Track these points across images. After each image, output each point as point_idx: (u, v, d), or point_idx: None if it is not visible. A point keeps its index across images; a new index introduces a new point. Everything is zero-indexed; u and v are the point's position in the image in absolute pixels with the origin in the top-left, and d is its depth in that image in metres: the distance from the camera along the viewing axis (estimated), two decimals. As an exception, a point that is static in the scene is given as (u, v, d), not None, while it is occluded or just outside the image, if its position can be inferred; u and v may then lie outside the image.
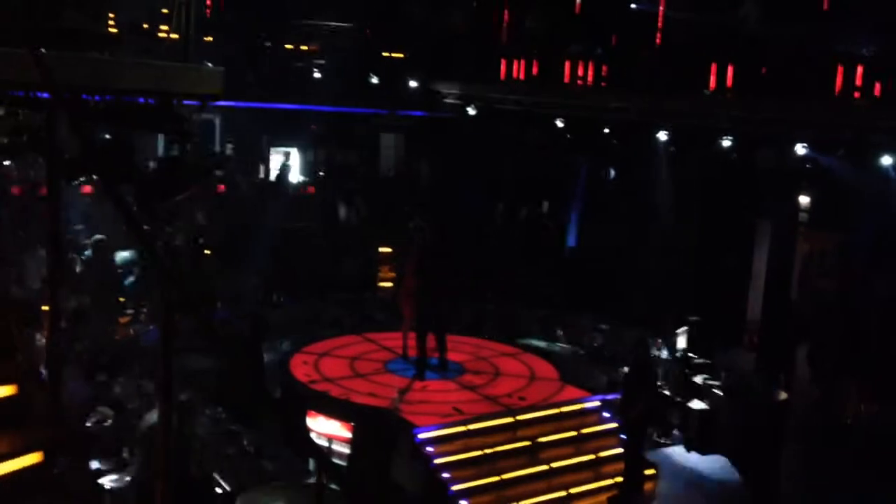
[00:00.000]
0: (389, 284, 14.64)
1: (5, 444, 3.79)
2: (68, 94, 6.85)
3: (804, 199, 13.19)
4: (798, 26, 12.42)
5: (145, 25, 11.33)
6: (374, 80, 17.47)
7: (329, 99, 16.77)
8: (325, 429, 10.37)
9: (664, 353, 12.52)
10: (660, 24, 14.97)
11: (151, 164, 11.93)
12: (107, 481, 8.21)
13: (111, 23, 9.24)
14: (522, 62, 16.77)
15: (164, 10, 11.47)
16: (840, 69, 12.37)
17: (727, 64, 13.29)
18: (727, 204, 14.30)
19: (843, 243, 13.91)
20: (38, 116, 6.35)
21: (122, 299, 12.21)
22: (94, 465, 8.20)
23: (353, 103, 17.49)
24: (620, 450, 10.06)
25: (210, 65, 11.59)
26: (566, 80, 15.59)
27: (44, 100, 4.77)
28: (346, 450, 9.92)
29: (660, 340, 12.75)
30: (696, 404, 11.32)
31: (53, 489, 4.00)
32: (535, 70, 16.42)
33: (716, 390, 11.37)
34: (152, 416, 7.93)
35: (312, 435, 10.21)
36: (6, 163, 7.91)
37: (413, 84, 17.53)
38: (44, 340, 4.02)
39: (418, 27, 18.06)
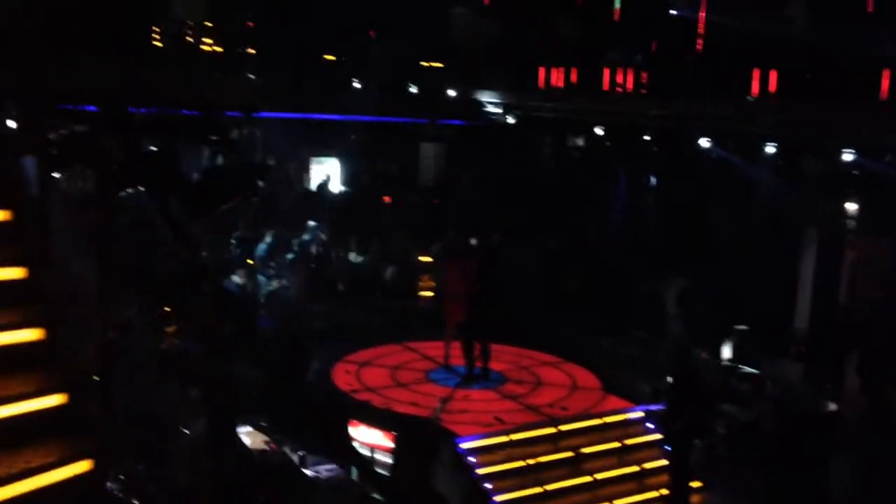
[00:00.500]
0: (430, 293, 14.62)
1: (56, 452, 3.84)
2: (115, 106, 6.96)
3: (851, 205, 12.93)
4: (844, 29, 12.21)
5: (190, 38, 11.48)
6: (414, 89, 17.52)
7: (369, 109, 16.85)
8: (368, 438, 10.38)
9: (710, 363, 12.33)
10: (700, 30, 14.81)
11: (195, 175, 12.08)
12: (152, 488, 8.28)
13: (156, 36, 9.38)
14: (561, 70, 16.71)
15: (208, 24, 11.65)
16: (886, 73, 12.14)
17: (770, 69, 13.10)
18: (773, 210, 14.08)
19: (891, 249, 13.61)
20: (87, 129, 6.45)
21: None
22: (141, 472, 8.27)
23: (392, 113, 17.55)
24: (664, 461, 9.93)
25: (252, 76, 11.74)
26: (605, 87, 15.49)
27: (92, 112, 4.85)
28: (388, 459, 9.92)
29: (705, 350, 12.56)
30: (742, 414, 11.14)
31: (102, 497, 4.04)
32: (573, 78, 16.34)
33: (762, 400, 11.16)
34: (197, 424, 7.99)
35: (355, 444, 10.23)
36: (56, 175, 8.03)
37: (452, 93, 17.55)
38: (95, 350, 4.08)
39: (458, 37, 18.10)
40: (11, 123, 4.99)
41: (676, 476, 9.39)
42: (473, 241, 12.78)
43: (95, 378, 4.13)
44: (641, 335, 13.82)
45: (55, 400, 4.01)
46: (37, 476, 3.72)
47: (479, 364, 11.70)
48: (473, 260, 11.94)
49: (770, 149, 13.00)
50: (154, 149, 8.16)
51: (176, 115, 8.20)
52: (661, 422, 10.07)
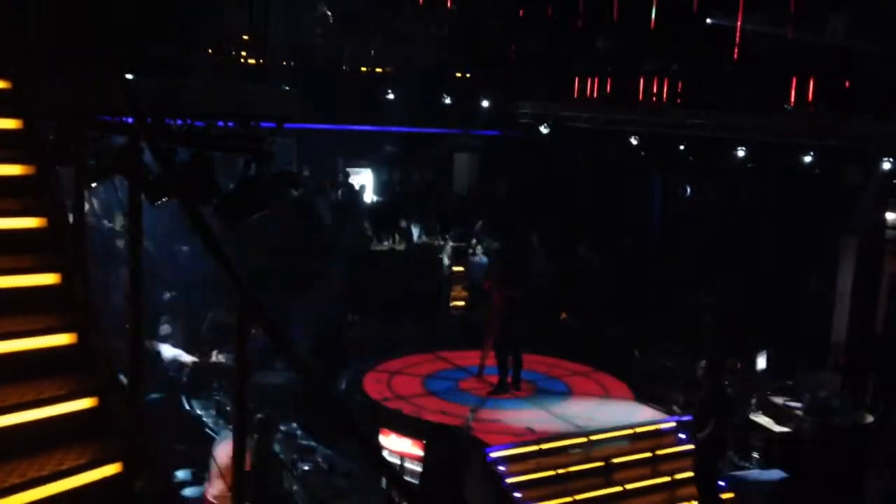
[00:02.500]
0: (462, 304, 14.64)
1: (87, 454, 3.94)
2: (151, 118, 7.13)
3: (891, 216, 12.73)
4: (884, 40, 12.06)
5: (226, 50, 11.69)
6: (448, 100, 17.61)
7: (404, 120, 16.97)
8: (398, 447, 10.43)
9: (744, 375, 12.21)
10: (737, 39, 14.72)
11: (230, 186, 12.26)
12: (185, 495, 8.41)
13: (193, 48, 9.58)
14: (596, 80, 16.70)
15: (245, 37, 11.84)
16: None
17: (808, 79, 12.98)
18: (812, 221, 13.93)
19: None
20: (122, 140, 6.61)
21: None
22: (175, 478, 8.41)
23: (427, 124, 17.66)
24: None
25: (286, 88, 11.90)
26: (640, 97, 15.45)
27: (128, 124, 4.97)
28: (418, 468, 9.96)
29: (739, 362, 12.44)
30: (778, 427, 11.01)
31: (132, 500, 4.13)
32: (608, 88, 16.32)
33: (798, 412, 11.03)
34: (229, 433, 8.09)
35: (385, 453, 10.28)
36: (93, 185, 8.23)
37: (486, 104, 17.61)
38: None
39: (493, 48, 18.16)
40: (50, 134, 5.15)
41: (702, 488, 9.28)
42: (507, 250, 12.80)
43: (126, 382, 4.22)
44: (676, 347, 13.71)
45: (86, 403, 4.11)
46: (67, 478, 3.81)
47: (511, 375, 11.69)
48: (509, 270, 11.96)
49: (808, 158, 12.86)
50: (189, 159, 8.34)
51: (211, 127, 8.37)
52: (690, 433, 9.99)
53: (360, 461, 9.33)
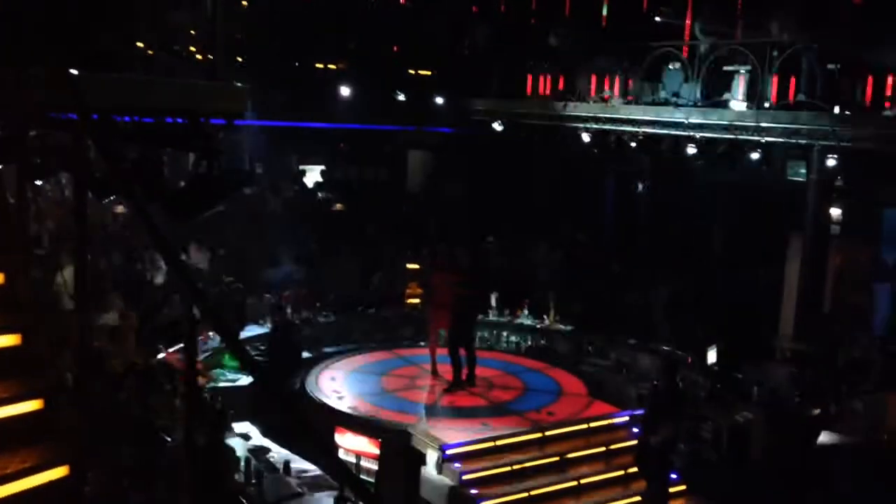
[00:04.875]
0: (417, 301, 14.63)
1: (32, 458, 3.86)
2: (97, 115, 6.97)
3: (835, 212, 13.02)
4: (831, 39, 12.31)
5: (174, 46, 11.50)
6: (401, 97, 17.57)
7: (356, 116, 16.88)
8: (353, 445, 10.40)
9: (695, 369, 12.40)
10: (686, 37, 14.92)
11: (181, 183, 12.06)
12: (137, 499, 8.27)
13: (139, 44, 9.39)
14: (549, 77, 16.79)
15: (192, 31, 11.64)
16: (870, 80, 12.26)
17: (754, 76, 13.19)
18: (760, 217, 14.20)
19: (874, 255, 13.74)
20: (69, 137, 6.46)
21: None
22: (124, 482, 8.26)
23: (380, 120, 17.60)
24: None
25: (238, 84, 11.73)
26: (592, 94, 15.58)
27: (73, 121, 4.87)
28: (374, 466, 9.93)
29: (690, 355, 12.63)
30: (727, 419, 11.19)
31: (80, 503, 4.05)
32: (560, 85, 16.42)
33: (747, 405, 11.22)
34: (181, 431, 7.97)
35: (341, 452, 10.24)
36: (38, 183, 8.03)
37: (439, 101, 17.60)
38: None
39: (444, 45, 18.16)
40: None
41: (650, 487, 9.30)
42: (460, 249, 12.81)
43: (73, 384, 4.14)
44: (629, 341, 13.87)
45: (31, 406, 4.03)
46: (12, 483, 3.73)
47: (465, 371, 11.73)
48: (459, 267, 11.99)
49: (755, 155, 13.08)
50: (137, 156, 8.17)
51: (159, 123, 8.21)
52: (641, 429, 10.05)
53: (315, 461, 9.28)
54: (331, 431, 10.43)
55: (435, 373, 12.11)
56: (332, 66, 17.79)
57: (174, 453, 7.80)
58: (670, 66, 14.24)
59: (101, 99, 7.25)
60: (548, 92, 16.74)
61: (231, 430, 9.78)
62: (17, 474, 3.77)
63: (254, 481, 8.69)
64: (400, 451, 9.71)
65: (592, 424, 10.74)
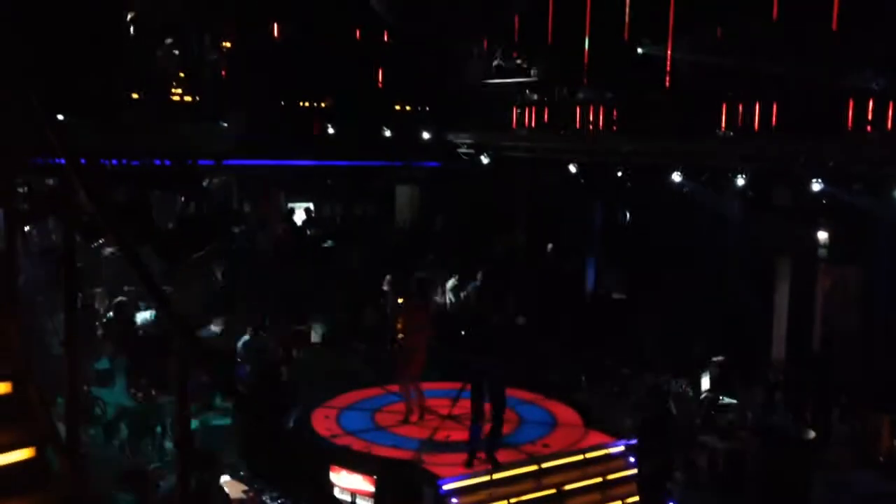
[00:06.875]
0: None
1: (25, 508, 3.81)
2: (84, 159, 7.00)
3: (822, 235, 13.12)
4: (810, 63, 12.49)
5: (164, 88, 11.56)
6: (388, 133, 17.66)
7: (344, 153, 16.95)
8: (349, 483, 10.28)
9: (689, 395, 12.38)
10: (668, 67, 15.12)
11: (170, 224, 12.08)
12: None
13: (126, 88, 9.46)
14: (533, 109, 16.94)
15: (182, 74, 11.72)
16: (850, 103, 12.41)
17: (737, 104, 13.35)
18: (746, 242, 14.27)
19: (864, 277, 13.82)
20: (56, 181, 6.47)
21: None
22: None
23: (367, 157, 17.67)
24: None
25: (225, 124, 11.81)
26: (577, 125, 15.72)
27: (60, 165, 4.86)
28: (369, 504, 9.82)
29: (683, 382, 12.62)
30: (723, 445, 11.16)
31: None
32: (545, 117, 16.57)
33: (742, 430, 11.20)
34: (173, 477, 7.89)
35: (336, 490, 10.13)
36: (26, 228, 8.03)
37: (426, 135, 17.71)
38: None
39: (431, 80, 18.31)
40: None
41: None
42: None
43: (64, 431, 4.10)
44: (622, 370, 13.85)
45: (23, 454, 3.97)
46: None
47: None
48: (428, 305, 11.69)
49: (740, 181, 13.20)
50: (127, 199, 8.21)
51: (147, 165, 8.26)
52: (636, 457, 10.04)
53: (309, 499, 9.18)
54: (326, 470, 10.32)
55: (408, 420, 11.69)
56: (318, 104, 17.89)
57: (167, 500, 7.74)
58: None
59: (89, 143, 7.30)
60: (533, 124, 16.88)
61: (223, 471, 9.69)
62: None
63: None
64: (396, 487, 9.62)
65: (588, 455, 10.67)
